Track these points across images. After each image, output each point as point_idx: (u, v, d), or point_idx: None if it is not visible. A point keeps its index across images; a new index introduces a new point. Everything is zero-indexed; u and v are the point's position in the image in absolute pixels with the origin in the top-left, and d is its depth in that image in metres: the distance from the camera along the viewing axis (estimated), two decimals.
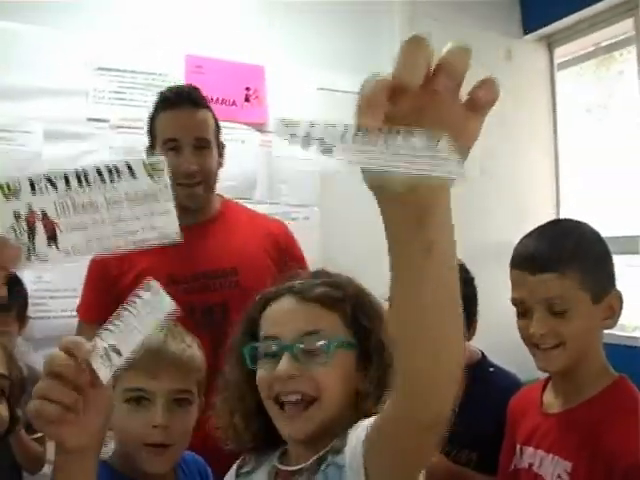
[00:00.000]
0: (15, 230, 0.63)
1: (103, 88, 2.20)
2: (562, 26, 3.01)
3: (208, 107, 1.77)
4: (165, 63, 2.30)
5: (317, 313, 0.98)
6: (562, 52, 3.14)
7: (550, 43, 3.17)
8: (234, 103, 2.38)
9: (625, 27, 2.81)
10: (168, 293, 0.72)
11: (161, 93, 1.76)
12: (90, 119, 2.18)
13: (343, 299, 0.99)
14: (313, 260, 1.83)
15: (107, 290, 1.63)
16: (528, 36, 3.13)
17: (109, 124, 2.20)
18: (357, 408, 0.94)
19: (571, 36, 3.05)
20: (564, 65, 3.17)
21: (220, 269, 1.72)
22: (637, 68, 2.72)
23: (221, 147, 1.81)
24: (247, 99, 2.40)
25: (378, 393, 0.92)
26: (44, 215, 0.63)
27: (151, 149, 1.75)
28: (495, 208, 2.93)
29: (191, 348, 1.21)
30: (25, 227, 0.63)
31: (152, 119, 1.74)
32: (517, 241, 1.39)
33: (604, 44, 2.96)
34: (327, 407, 0.94)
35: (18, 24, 2.09)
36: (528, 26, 3.12)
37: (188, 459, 1.29)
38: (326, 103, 2.56)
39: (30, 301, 2.01)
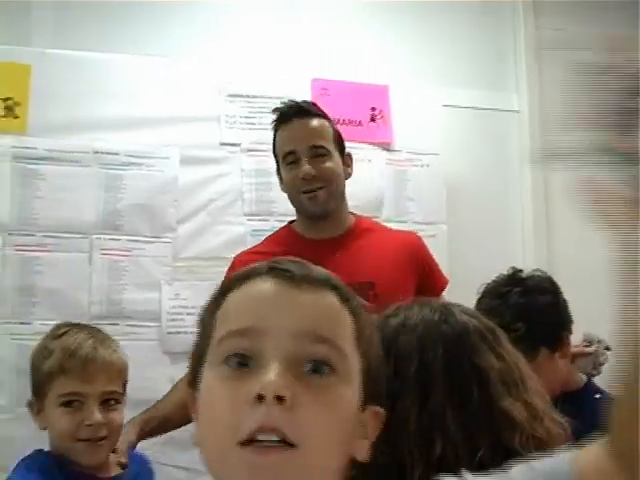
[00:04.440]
0: None
1: (234, 113, 2.29)
2: None
3: (322, 116, 1.76)
4: (293, 88, 2.34)
5: None
6: None
7: None
8: (360, 123, 2.39)
9: None
10: None
11: (273, 112, 1.78)
12: (223, 143, 2.27)
13: None
14: None
15: None
16: None
17: (240, 147, 2.28)
18: None
19: None
20: None
21: (357, 282, 1.68)
22: None
23: (347, 156, 1.80)
24: (372, 119, 2.40)
25: None
26: None
27: (278, 172, 1.79)
28: None
29: (116, 352, 1.35)
30: None
31: (273, 142, 1.79)
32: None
33: None
34: None
35: (158, 57, 2.24)
36: None
37: (136, 454, 1.45)
38: (451, 120, 2.55)
39: (168, 316, 2.14)
